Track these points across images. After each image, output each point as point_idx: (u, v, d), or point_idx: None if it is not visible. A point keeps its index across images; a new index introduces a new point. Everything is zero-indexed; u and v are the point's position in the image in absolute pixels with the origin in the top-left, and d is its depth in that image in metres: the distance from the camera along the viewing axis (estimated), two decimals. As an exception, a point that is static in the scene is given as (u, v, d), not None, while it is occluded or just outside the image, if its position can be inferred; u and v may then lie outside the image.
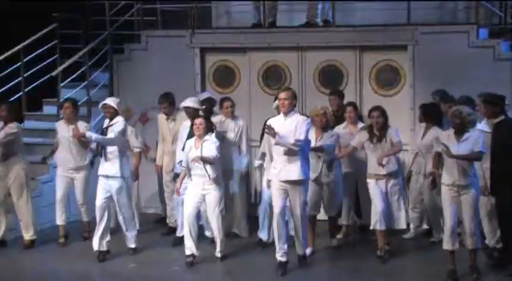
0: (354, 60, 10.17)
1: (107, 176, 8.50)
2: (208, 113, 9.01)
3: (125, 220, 8.65)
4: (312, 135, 8.51)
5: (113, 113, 8.53)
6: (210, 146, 8.24)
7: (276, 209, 7.97)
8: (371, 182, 8.31)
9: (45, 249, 9.06)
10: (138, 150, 9.25)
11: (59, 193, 9.19)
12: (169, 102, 9.35)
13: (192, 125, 8.51)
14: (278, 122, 7.96)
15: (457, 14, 10.49)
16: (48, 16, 10.96)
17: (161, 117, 9.53)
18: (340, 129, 9.17)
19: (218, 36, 10.66)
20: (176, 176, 8.82)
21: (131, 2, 11.18)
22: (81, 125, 9.04)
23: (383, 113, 8.28)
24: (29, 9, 10.87)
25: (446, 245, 7.65)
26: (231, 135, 9.22)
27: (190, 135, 8.62)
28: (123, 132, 8.55)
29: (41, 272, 8.41)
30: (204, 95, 9.71)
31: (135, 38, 11.09)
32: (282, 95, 7.94)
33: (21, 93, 10.69)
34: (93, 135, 8.46)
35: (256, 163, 9.00)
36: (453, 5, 10.48)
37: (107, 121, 8.63)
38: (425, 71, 9.80)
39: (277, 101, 8.55)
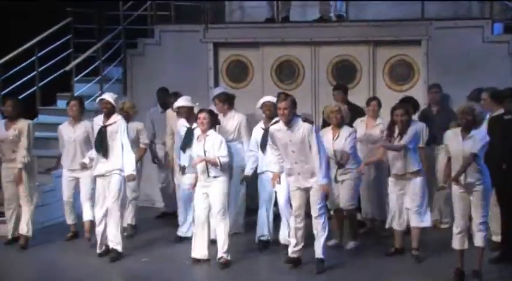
0: (367, 55, 10.12)
1: (104, 175, 8.31)
2: (230, 107, 9.05)
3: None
4: (329, 134, 8.44)
5: (110, 109, 8.33)
6: (221, 148, 7.99)
7: (294, 207, 7.88)
8: (391, 181, 8.20)
9: (54, 245, 9.00)
10: (144, 146, 9.27)
11: (66, 194, 9.07)
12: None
13: (188, 123, 8.44)
14: (281, 132, 7.73)
15: (472, 9, 10.41)
16: (63, 11, 10.94)
17: (170, 112, 9.44)
18: (358, 122, 9.13)
19: (231, 31, 10.63)
20: (183, 168, 8.72)
21: (145, -4, 11.19)
22: (87, 124, 8.85)
23: (407, 112, 8.09)
24: (43, 4, 10.84)
25: (455, 244, 7.51)
26: (227, 131, 9.08)
27: (188, 134, 8.57)
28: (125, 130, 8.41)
29: (52, 267, 8.37)
30: (218, 90, 9.66)
31: (148, 33, 11.09)
32: (282, 104, 7.61)
33: (35, 87, 10.71)
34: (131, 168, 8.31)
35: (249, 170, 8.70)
36: (467, 0, 10.38)
37: (101, 117, 8.39)
38: (439, 66, 9.75)
39: (261, 100, 8.58)
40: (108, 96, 8.43)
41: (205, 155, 7.99)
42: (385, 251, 8.33)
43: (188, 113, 8.69)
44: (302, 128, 7.65)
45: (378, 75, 10.11)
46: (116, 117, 8.37)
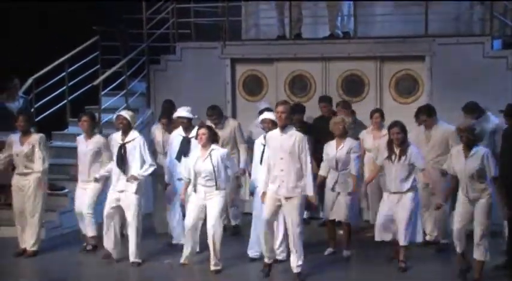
0: (374, 70, 10.29)
1: (122, 191, 8.23)
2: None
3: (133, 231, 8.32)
4: (333, 145, 8.48)
5: (126, 126, 8.26)
6: (231, 161, 8.00)
7: (265, 214, 7.67)
8: (384, 195, 8.06)
9: (68, 253, 8.96)
10: None
11: (77, 206, 8.85)
12: (218, 114, 9.32)
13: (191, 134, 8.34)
14: (275, 137, 7.67)
15: (472, 26, 10.54)
16: (91, 29, 11.17)
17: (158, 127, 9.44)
18: (363, 134, 9.28)
19: (247, 48, 10.83)
20: (167, 184, 8.76)
21: (167, 16, 11.38)
22: (99, 139, 8.78)
23: (402, 129, 7.93)
24: (73, 23, 11.10)
25: (457, 247, 7.59)
26: (224, 139, 9.10)
27: (184, 144, 8.50)
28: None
29: (70, 272, 8.39)
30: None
31: (170, 50, 11.27)
32: (280, 108, 7.57)
33: (65, 101, 10.92)
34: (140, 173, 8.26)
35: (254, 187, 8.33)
36: (468, 17, 10.53)
37: (119, 134, 8.33)
38: (442, 80, 9.89)
39: (261, 116, 8.39)
40: (125, 113, 8.38)
41: (214, 171, 7.90)
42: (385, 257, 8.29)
43: (187, 124, 8.63)
44: (295, 135, 7.60)
45: (385, 89, 10.27)
46: (134, 134, 8.31)
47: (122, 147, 8.29)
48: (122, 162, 8.26)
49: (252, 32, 11.48)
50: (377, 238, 8.10)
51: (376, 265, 8.25)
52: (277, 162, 7.64)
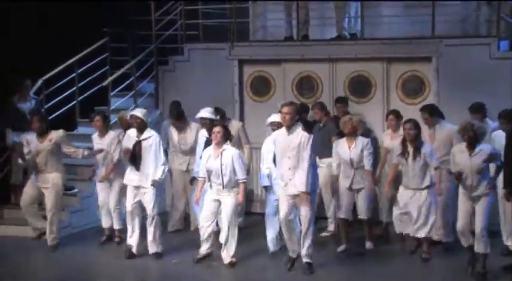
0: (381, 71, 10.28)
1: (138, 187, 8.45)
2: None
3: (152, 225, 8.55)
4: (344, 144, 8.59)
5: (140, 124, 8.44)
6: (239, 165, 8.06)
7: (282, 214, 7.82)
8: (400, 189, 8.32)
9: (83, 248, 9.17)
10: None
11: (100, 200, 9.23)
12: (220, 116, 9.38)
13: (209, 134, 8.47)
14: (281, 136, 7.81)
15: (479, 27, 10.50)
16: (100, 31, 11.21)
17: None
18: (383, 135, 9.40)
19: (255, 49, 10.85)
20: (193, 179, 8.89)
21: (175, 17, 11.40)
22: (113, 135, 9.05)
23: (416, 126, 8.13)
24: (84, 25, 11.14)
25: (463, 242, 7.69)
26: None
27: (207, 144, 8.60)
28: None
29: (81, 268, 8.51)
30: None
31: (178, 51, 11.30)
32: (285, 109, 7.73)
33: (75, 101, 10.98)
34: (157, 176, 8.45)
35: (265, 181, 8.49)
36: (475, 19, 10.50)
37: (134, 132, 8.52)
38: (449, 81, 9.87)
39: (269, 118, 8.57)
40: (138, 112, 8.54)
41: (221, 169, 8.04)
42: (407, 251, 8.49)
43: (210, 125, 8.74)
44: (301, 135, 7.73)
45: (392, 90, 10.26)
46: (150, 132, 8.49)
47: (138, 144, 8.42)
48: (137, 158, 8.41)
49: (259, 33, 11.49)
50: (397, 230, 8.35)
51: (395, 258, 8.51)
52: (284, 161, 7.76)
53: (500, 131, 8.13)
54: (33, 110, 9.88)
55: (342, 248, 8.73)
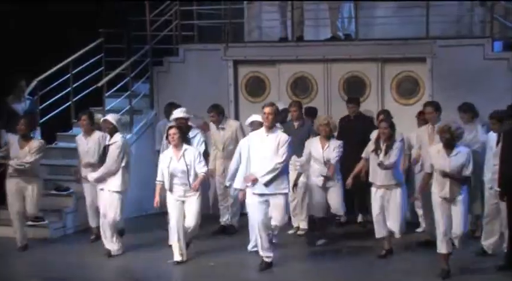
0: (376, 72, 10.28)
1: (102, 189, 8.55)
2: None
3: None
4: (317, 144, 8.66)
5: (111, 129, 8.53)
6: (200, 161, 8.09)
7: (258, 219, 7.87)
8: (372, 190, 8.29)
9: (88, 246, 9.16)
10: None
11: (88, 200, 9.20)
12: (217, 112, 9.40)
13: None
14: (259, 137, 7.87)
15: (473, 28, 10.52)
16: (95, 32, 11.17)
17: (212, 125, 9.63)
18: (374, 134, 9.27)
19: (250, 50, 10.83)
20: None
21: (170, 18, 11.36)
22: (99, 135, 9.01)
23: (391, 126, 8.22)
24: (78, 25, 11.10)
25: (441, 249, 7.59)
26: (219, 140, 9.29)
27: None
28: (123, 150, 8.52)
29: (83, 265, 8.53)
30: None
31: (173, 52, 11.27)
32: (267, 109, 7.79)
33: (70, 102, 10.94)
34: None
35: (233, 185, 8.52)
36: (469, 19, 10.51)
37: (108, 137, 8.65)
38: (443, 81, 9.88)
39: (250, 118, 8.64)
40: (110, 117, 8.61)
41: (187, 169, 8.04)
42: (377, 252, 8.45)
43: (186, 125, 8.72)
44: (280, 136, 7.81)
45: (386, 90, 10.27)
46: (117, 138, 8.52)
47: (106, 147, 8.48)
48: (101, 160, 8.50)
49: (254, 34, 11.49)
50: (378, 235, 8.32)
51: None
52: (258, 161, 7.82)
53: (491, 132, 8.10)
54: (26, 111, 9.79)
55: (322, 241, 8.81)
